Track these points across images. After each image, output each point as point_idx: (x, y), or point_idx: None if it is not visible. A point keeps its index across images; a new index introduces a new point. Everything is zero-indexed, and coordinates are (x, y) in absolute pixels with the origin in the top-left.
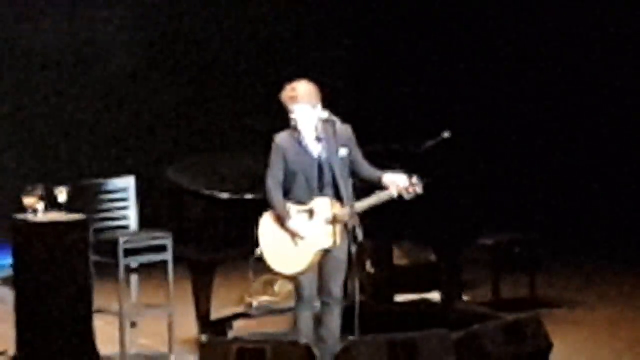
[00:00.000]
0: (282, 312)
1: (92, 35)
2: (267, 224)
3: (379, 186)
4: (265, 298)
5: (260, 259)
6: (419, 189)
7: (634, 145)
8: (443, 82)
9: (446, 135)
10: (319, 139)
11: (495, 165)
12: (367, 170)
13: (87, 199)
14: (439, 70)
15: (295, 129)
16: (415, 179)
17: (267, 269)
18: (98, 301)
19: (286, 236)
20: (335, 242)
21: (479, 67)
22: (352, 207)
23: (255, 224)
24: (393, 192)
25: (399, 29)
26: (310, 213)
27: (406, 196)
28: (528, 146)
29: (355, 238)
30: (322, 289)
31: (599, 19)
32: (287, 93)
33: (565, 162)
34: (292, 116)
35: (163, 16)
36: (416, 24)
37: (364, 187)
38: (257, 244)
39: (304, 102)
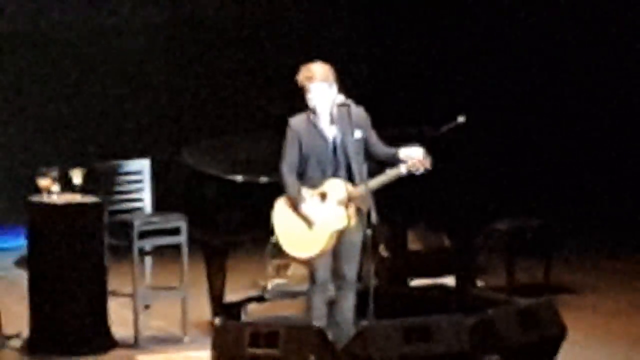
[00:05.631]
0: (295, 295)
1: (109, 18)
2: (281, 207)
3: (396, 162)
4: (278, 281)
5: (277, 244)
6: (428, 164)
7: None
8: (463, 67)
9: (461, 119)
10: (333, 122)
11: (511, 150)
12: (382, 149)
13: (101, 181)
14: (458, 55)
15: (311, 111)
16: (423, 154)
17: (282, 253)
18: (112, 283)
19: (300, 220)
20: (348, 222)
21: (497, 50)
22: (365, 186)
23: (270, 207)
24: (402, 169)
25: (420, 12)
26: (323, 196)
27: (416, 172)
28: (544, 131)
29: (369, 222)
30: (336, 273)
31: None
32: (303, 73)
33: (582, 146)
34: (309, 96)
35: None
36: (438, 9)
37: (377, 170)
38: (271, 228)
39: (320, 81)
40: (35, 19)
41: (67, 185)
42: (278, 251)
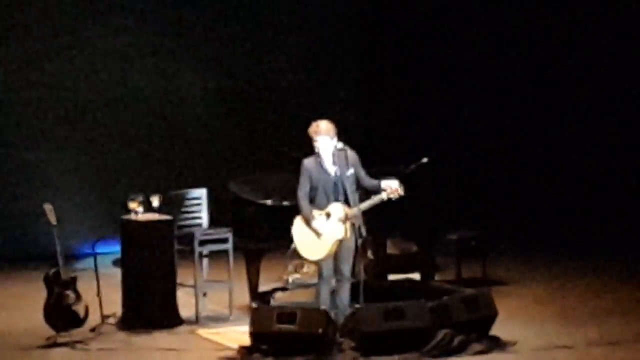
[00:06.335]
0: (308, 286)
1: (175, 83)
2: (298, 223)
3: (379, 191)
4: (296, 276)
5: (295, 250)
6: (402, 192)
7: (557, 152)
8: (426, 119)
9: (424, 160)
10: (334, 162)
11: (459, 183)
12: (369, 181)
13: (172, 204)
14: (423, 112)
15: (317, 154)
16: (398, 185)
17: (299, 256)
18: (180, 277)
19: (311, 232)
20: (346, 234)
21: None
22: (358, 208)
23: (290, 223)
24: (383, 196)
25: (392, 83)
26: (328, 215)
27: (393, 198)
28: (484, 171)
29: (360, 234)
30: (337, 270)
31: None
32: (312, 128)
33: (511, 178)
34: (316, 144)
35: (227, 70)
36: (405, 77)
37: (365, 196)
38: (291, 238)
39: (324, 135)
40: (124, 85)
41: (148, 207)
42: (296, 255)
